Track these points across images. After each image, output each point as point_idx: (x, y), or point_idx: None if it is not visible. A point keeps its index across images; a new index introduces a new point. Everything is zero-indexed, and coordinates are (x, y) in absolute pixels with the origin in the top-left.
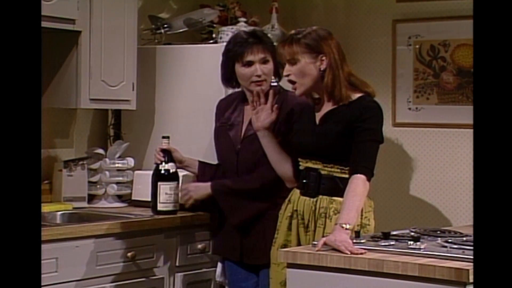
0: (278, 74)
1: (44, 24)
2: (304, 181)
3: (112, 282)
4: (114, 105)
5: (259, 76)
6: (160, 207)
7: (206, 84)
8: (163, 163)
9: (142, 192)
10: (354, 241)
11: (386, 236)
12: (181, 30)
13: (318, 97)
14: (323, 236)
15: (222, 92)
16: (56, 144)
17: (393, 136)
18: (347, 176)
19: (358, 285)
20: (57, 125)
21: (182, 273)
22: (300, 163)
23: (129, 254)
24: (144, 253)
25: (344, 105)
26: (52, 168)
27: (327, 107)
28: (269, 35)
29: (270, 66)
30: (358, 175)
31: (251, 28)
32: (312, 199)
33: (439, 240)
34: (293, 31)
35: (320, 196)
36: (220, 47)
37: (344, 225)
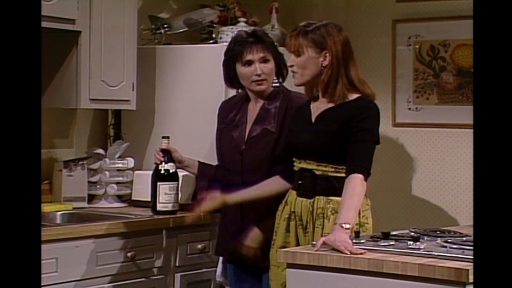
0: (281, 74)
1: (44, 24)
2: (300, 182)
3: (112, 282)
4: (114, 105)
5: (258, 75)
6: (159, 207)
7: (206, 84)
8: (163, 163)
9: (142, 192)
10: (354, 241)
11: (386, 236)
12: (181, 30)
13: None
14: (322, 236)
15: (222, 92)
16: (56, 144)
17: (393, 136)
18: (342, 175)
19: (358, 285)
20: (57, 125)
21: (182, 273)
22: (294, 164)
23: (129, 254)
24: (144, 253)
25: (341, 104)
26: (52, 168)
27: (324, 105)
28: (269, 35)
29: (270, 65)
30: (356, 174)
31: (252, 28)
32: (309, 200)
33: (439, 240)
34: (304, 23)
35: (317, 197)
36: (220, 47)
37: (343, 225)
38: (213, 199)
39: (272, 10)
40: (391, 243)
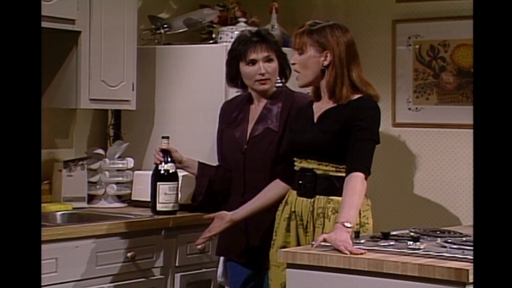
0: (284, 74)
1: (44, 24)
2: (300, 182)
3: (112, 282)
4: (114, 105)
5: (262, 74)
6: (159, 207)
7: (206, 84)
8: (163, 163)
9: (142, 192)
10: (354, 241)
11: (386, 236)
12: (181, 30)
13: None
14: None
15: (222, 92)
16: (56, 144)
17: (393, 136)
18: (342, 175)
19: (358, 285)
20: (57, 125)
21: (182, 273)
22: (295, 164)
23: (129, 254)
24: (144, 253)
25: (343, 104)
26: (52, 168)
27: (327, 105)
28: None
29: (274, 65)
30: (356, 173)
31: (256, 28)
32: (309, 200)
33: (439, 240)
34: (310, 22)
35: (317, 196)
36: (220, 47)
37: (345, 224)
38: (221, 219)
39: (272, 10)
40: (391, 243)
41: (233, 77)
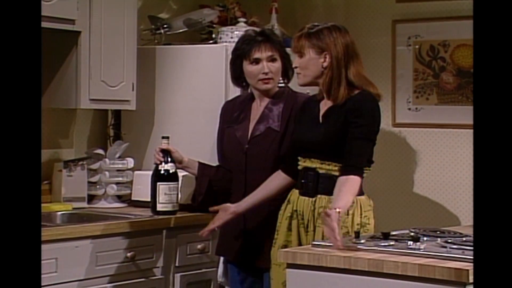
0: (286, 75)
1: (44, 24)
2: (303, 181)
3: (111, 282)
4: (114, 106)
5: (266, 73)
6: (159, 207)
7: (206, 84)
8: (163, 164)
9: (142, 192)
10: (354, 241)
11: (386, 236)
12: (180, 31)
13: None
14: (322, 236)
15: (222, 92)
16: (56, 144)
17: (393, 136)
18: None
19: (358, 285)
20: (57, 125)
21: (181, 273)
22: (299, 163)
23: (128, 254)
24: (144, 253)
25: (342, 102)
26: (52, 168)
27: (327, 104)
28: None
29: (277, 64)
30: (351, 176)
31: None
32: (311, 199)
33: (439, 240)
34: (309, 25)
35: (319, 196)
36: (220, 47)
37: (337, 209)
38: (225, 211)
39: (272, 11)
40: (391, 243)
41: (238, 76)
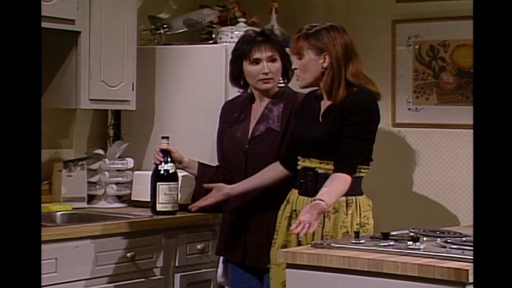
0: (286, 75)
1: (43, 24)
2: (302, 181)
3: (111, 283)
4: (113, 106)
5: (266, 73)
6: (159, 207)
7: (205, 85)
8: (163, 164)
9: (142, 192)
10: (354, 241)
11: (386, 236)
12: (180, 31)
13: None
14: (322, 235)
15: (222, 92)
16: (56, 144)
17: (393, 136)
18: None
19: (358, 285)
20: (57, 125)
21: (181, 273)
22: (298, 163)
23: (128, 254)
24: (144, 253)
25: (341, 101)
26: (52, 168)
27: (327, 103)
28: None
29: (277, 65)
30: (341, 174)
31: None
32: (310, 199)
33: (439, 240)
34: (307, 26)
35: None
36: (220, 47)
37: (321, 200)
38: (219, 191)
39: (272, 11)
40: (391, 243)
41: (237, 76)
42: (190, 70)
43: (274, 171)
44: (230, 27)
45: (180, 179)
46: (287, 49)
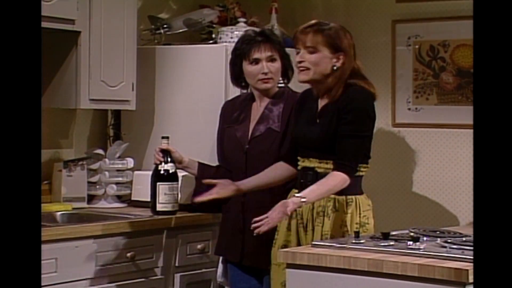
0: (286, 75)
1: (43, 24)
2: (302, 181)
3: (111, 282)
4: (113, 106)
5: (265, 73)
6: (159, 207)
7: (205, 85)
8: (163, 164)
9: (142, 192)
10: (354, 241)
11: (386, 236)
12: (180, 31)
13: None
14: (321, 236)
15: (222, 92)
16: (56, 144)
17: (393, 136)
18: None
19: (358, 285)
20: (57, 125)
21: (181, 273)
22: (298, 163)
23: (128, 254)
24: (144, 253)
25: (336, 99)
26: (52, 168)
27: (323, 102)
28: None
29: (277, 64)
30: (339, 172)
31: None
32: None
33: (439, 240)
34: (316, 21)
35: None
36: (220, 47)
37: (302, 199)
38: (224, 186)
39: (272, 11)
40: (391, 243)
41: (237, 76)
42: (190, 70)
43: (281, 170)
44: (230, 27)
45: (180, 179)
46: (288, 49)
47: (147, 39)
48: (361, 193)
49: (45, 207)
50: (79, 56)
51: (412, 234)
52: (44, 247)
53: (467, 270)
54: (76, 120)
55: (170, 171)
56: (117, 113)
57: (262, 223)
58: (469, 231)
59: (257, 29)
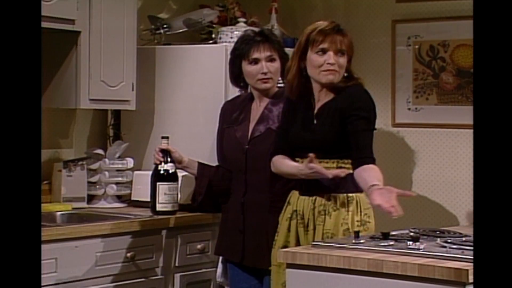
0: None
1: (43, 24)
2: (302, 181)
3: (111, 282)
4: (113, 106)
5: (265, 73)
6: (159, 207)
7: (205, 84)
8: (162, 164)
9: (142, 192)
10: (354, 241)
11: (386, 236)
12: (180, 31)
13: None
14: (323, 234)
15: (222, 92)
16: (56, 144)
17: (393, 136)
18: None
19: (358, 285)
20: (57, 125)
21: (181, 273)
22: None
23: (128, 254)
24: (144, 253)
25: (335, 97)
26: (52, 168)
27: (319, 103)
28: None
29: (276, 64)
30: (369, 165)
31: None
32: (311, 198)
33: (439, 240)
34: (332, 20)
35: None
36: (220, 47)
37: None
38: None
39: (272, 11)
40: (391, 243)
41: (237, 76)
42: (190, 70)
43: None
44: (230, 27)
45: (180, 179)
46: (287, 49)
47: (147, 39)
48: (361, 191)
49: (45, 207)
50: (79, 56)
51: (412, 234)
52: (44, 247)
53: (467, 270)
54: (76, 120)
55: (170, 171)
56: (117, 113)
57: (396, 209)
58: (469, 231)
59: (256, 29)
